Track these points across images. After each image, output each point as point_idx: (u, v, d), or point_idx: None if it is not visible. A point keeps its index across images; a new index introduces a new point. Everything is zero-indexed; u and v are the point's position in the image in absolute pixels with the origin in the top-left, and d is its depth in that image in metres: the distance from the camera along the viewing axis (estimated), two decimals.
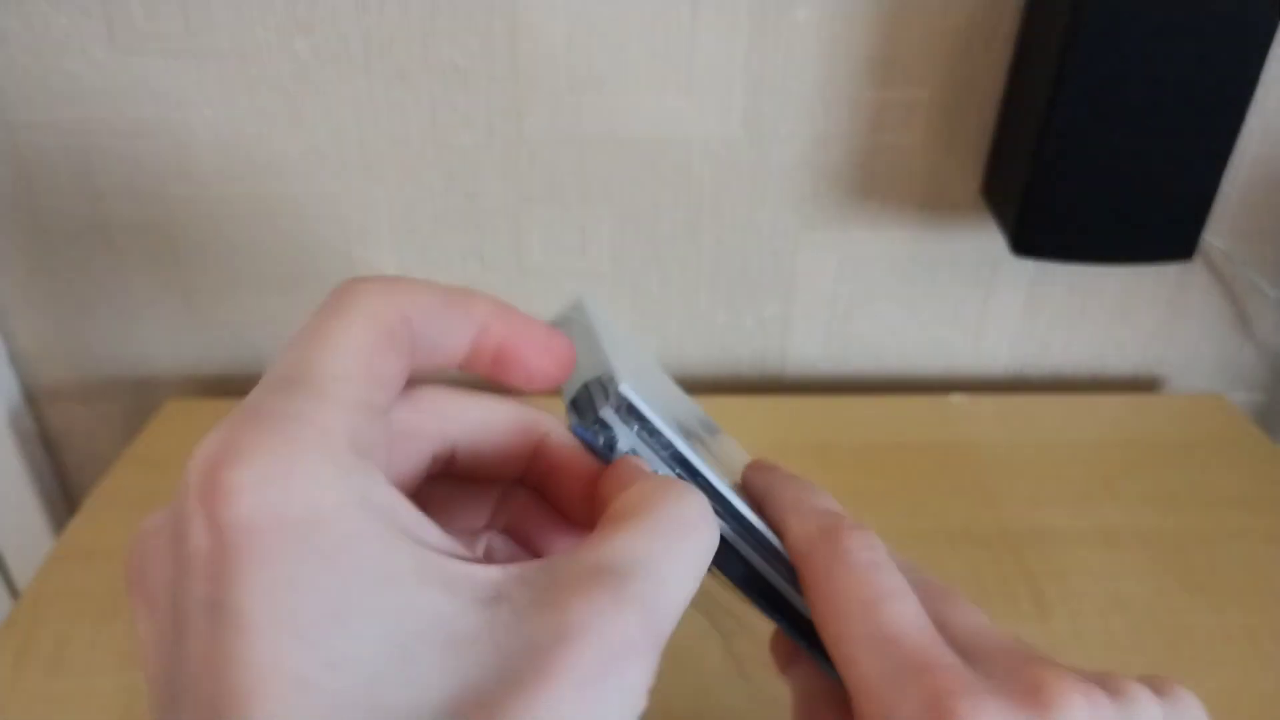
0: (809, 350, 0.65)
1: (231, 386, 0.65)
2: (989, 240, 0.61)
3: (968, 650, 0.21)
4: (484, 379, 0.22)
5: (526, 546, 0.25)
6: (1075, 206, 0.50)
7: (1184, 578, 0.48)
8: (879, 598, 0.22)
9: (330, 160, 0.56)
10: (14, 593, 0.66)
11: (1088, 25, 0.45)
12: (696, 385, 0.66)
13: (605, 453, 0.23)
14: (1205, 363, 0.67)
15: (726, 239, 0.60)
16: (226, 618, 0.15)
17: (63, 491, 0.69)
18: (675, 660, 0.29)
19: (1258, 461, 0.57)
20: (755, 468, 0.27)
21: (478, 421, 0.22)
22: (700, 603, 0.28)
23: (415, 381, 0.21)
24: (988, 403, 0.63)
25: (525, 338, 0.21)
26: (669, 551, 0.18)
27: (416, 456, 0.22)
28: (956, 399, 0.63)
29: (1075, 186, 0.49)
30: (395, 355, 0.19)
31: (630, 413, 0.23)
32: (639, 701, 0.17)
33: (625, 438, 0.23)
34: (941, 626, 0.22)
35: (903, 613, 0.21)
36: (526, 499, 0.24)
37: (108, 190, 0.57)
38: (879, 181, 0.58)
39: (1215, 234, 0.60)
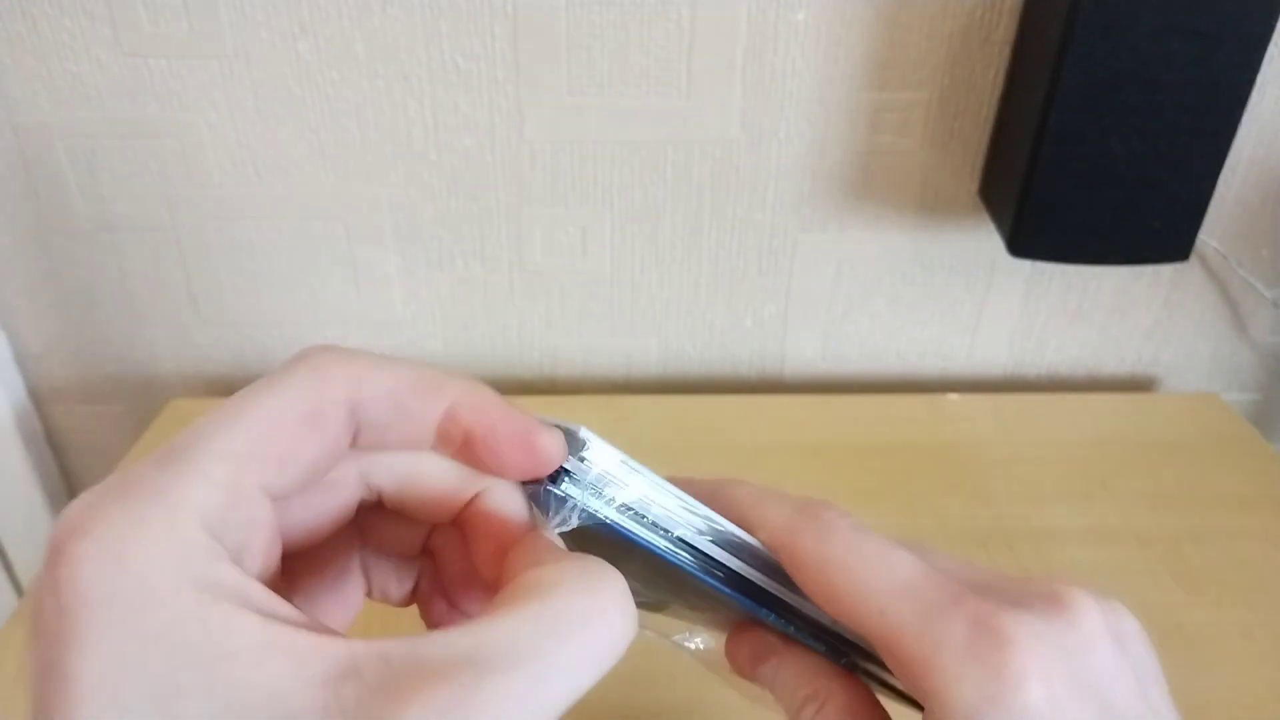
0: (807, 350, 0.66)
1: (235, 386, 0.65)
2: (986, 241, 0.61)
3: (970, 583, 0.22)
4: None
5: (447, 591, 0.24)
6: (1072, 208, 0.50)
7: (1179, 576, 0.49)
8: (881, 551, 0.22)
9: (333, 161, 0.57)
10: (19, 591, 0.67)
11: (1084, 28, 0.45)
12: (696, 385, 0.67)
13: (545, 506, 0.22)
14: (1200, 363, 0.67)
15: (726, 240, 0.60)
16: (58, 682, 0.15)
17: (68, 491, 0.70)
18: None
19: (1252, 461, 0.58)
20: (718, 483, 0.26)
21: (403, 475, 0.22)
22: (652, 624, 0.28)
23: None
24: (984, 402, 0.63)
25: (501, 430, 0.21)
26: (559, 645, 0.17)
27: (338, 502, 0.22)
28: (953, 398, 0.63)
29: (1072, 188, 0.50)
30: (313, 437, 0.19)
31: (579, 450, 0.22)
32: None
33: (575, 491, 0.22)
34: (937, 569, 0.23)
35: (908, 560, 0.22)
36: (457, 541, 0.23)
37: (112, 191, 0.57)
38: (877, 183, 0.59)
39: (1210, 235, 0.61)
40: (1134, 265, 0.60)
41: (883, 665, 0.23)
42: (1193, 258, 0.54)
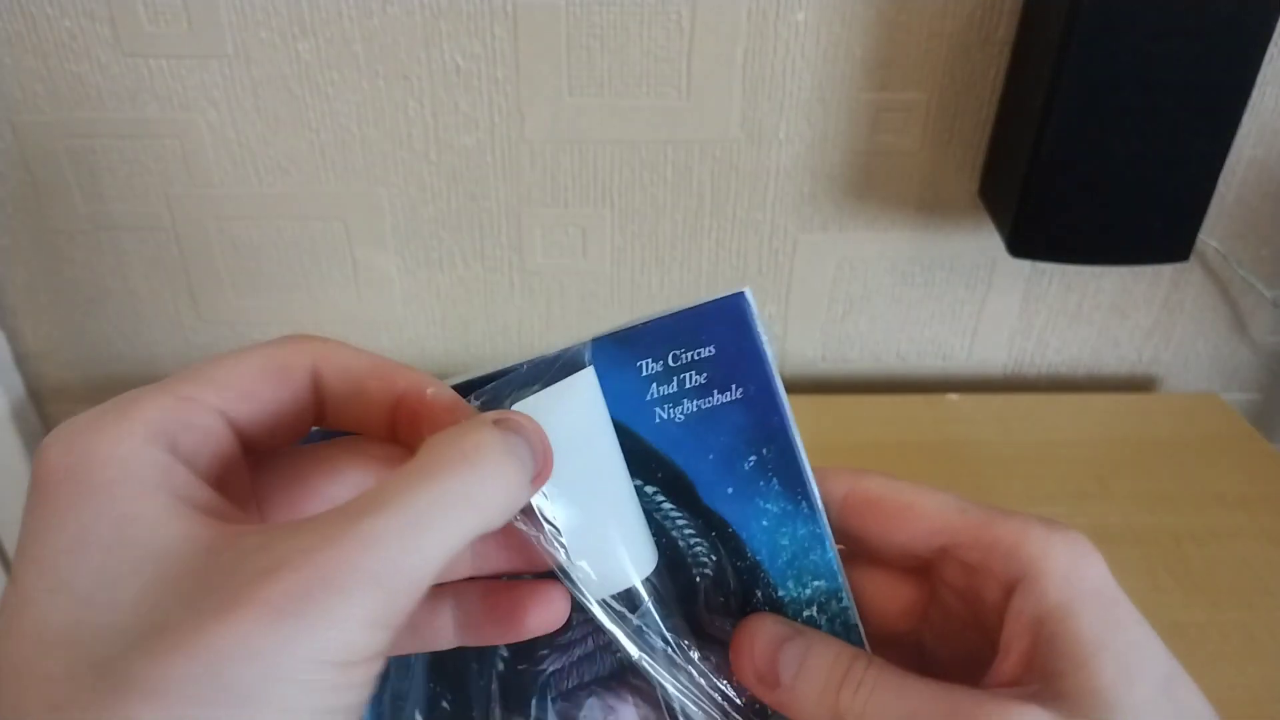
0: (807, 350, 0.66)
1: None
2: (986, 241, 0.61)
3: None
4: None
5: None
6: (1072, 208, 0.50)
7: (1179, 575, 0.49)
8: (933, 489, 0.25)
9: (333, 161, 0.57)
10: None
11: (1084, 28, 0.46)
12: None
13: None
14: (1200, 363, 0.68)
15: (726, 239, 0.60)
16: (19, 548, 0.18)
17: None
18: None
19: (1252, 460, 0.58)
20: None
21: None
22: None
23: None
24: (984, 402, 0.63)
25: (438, 413, 0.22)
26: (431, 489, 0.18)
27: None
28: (953, 398, 0.63)
29: (1072, 188, 0.50)
30: (279, 384, 0.22)
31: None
32: (359, 638, 0.17)
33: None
34: None
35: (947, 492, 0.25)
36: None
37: (113, 191, 0.57)
38: (877, 183, 0.59)
39: (1210, 235, 0.61)
40: (1134, 265, 0.60)
41: None
42: (1193, 258, 0.54)
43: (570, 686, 0.25)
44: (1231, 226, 0.61)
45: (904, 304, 0.64)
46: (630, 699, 0.25)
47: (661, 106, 0.55)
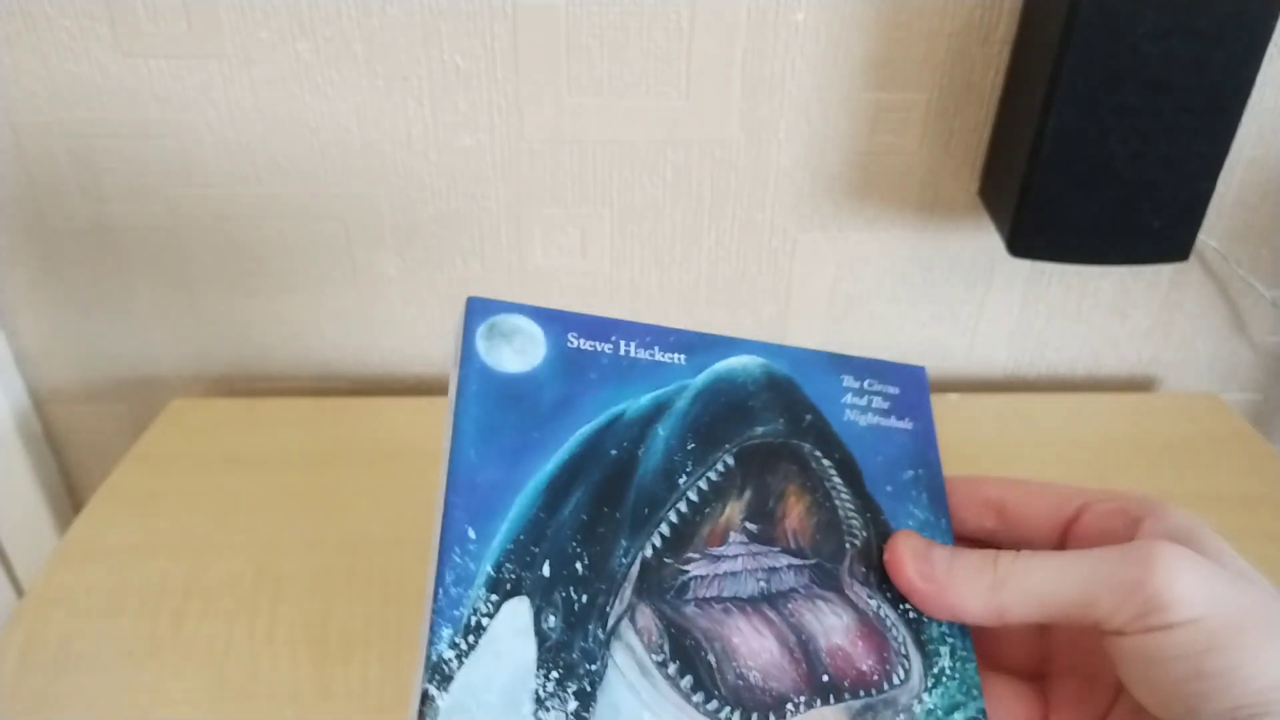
0: None
1: (236, 386, 0.66)
2: (986, 241, 0.61)
3: None
4: None
5: None
6: (1071, 208, 0.51)
7: None
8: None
9: (333, 161, 0.57)
10: (19, 590, 0.67)
11: (1084, 28, 0.46)
12: None
13: None
14: (1200, 363, 0.68)
15: (725, 240, 0.61)
16: None
17: (67, 490, 0.70)
18: None
19: (1252, 460, 0.58)
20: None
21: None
22: None
23: None
24: (984, 402, 0.63)
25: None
26: None
27: None
28: (953, 398, 0.63)
29: (1071, 188, 0.50)
30: None
31: None
32: None
33: None
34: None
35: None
36: None
37: (112, 191, 0.57)
38: (877, 183, 0.59)
39: (1210, 235, 0.61)
40: (1133, 265, 0.60)
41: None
42: (1192, 258, 0.54)
43: (708, 595, 0.26)
44: (1231, 226, 0.61)
45: (903, 304, 0.64)
46: (762, 628, 0.26)
47: (661, 107, 0.55)
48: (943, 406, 0.62)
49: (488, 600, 0.23)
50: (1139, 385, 0.68)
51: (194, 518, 0.52)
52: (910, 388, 0.30)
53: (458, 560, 0.23)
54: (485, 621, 0.23)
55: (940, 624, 0.26)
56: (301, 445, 0.58)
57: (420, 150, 0.56)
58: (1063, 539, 0.27)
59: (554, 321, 0.27)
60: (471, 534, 0.24)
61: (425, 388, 0.66)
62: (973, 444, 0.58)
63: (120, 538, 0.51)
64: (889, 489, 0.28)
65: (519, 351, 0.27)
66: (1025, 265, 0.62)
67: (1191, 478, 0.56)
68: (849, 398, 0.29)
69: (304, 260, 0.60)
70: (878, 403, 0.29)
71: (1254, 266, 0.63)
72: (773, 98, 0.55)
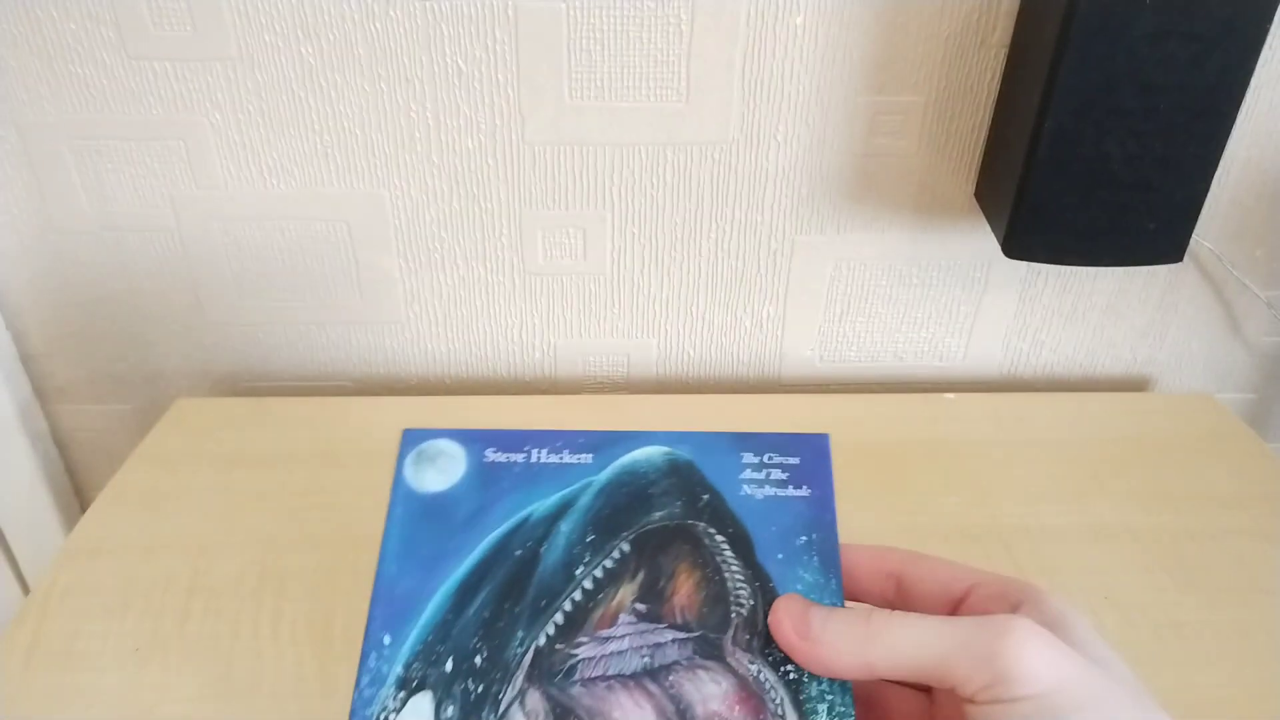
0: (805, 350, 0.66)
1: (240, 385, 0.66)
2: (982, 242, 0.62)
3: None
4: None
5: None
6: (1067, 209, 0.51)
7: (1174, 574, 0.49)
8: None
9: (336, 163, 0.57)
10: (25, 588, 0.67)
11: (1080, 31, 0.46)
12: (695, 385, 0.67)
13: None
14: (1195, 363, 0.68)
15: (724, 241, 0.61)
16: None
17: (73, 489, 0.70)
18: None
19: (1247, 459, 0.58)
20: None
21: None
22: None
23: None
24: (981, 402, 0.64)
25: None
26: None
27: None
28: (950, 398, 0.64)
29: (1067, 190, 0.50)
30: None
31: None
32: None
33: None
34: None
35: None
36: None
37: (117, 192, 0.58)
38: (874, 184, 0.59)
39: (1205, 236, 0.61)
40: (1129, 266, 0.60)
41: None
42: (1187, 259, 0.54)
43: (593, 675, 0.27)
44: (1226, 228, 0.62)
45: (901, 305, 0.64)
46: (643, 701, 0.27)
47: (661, 109, 0.56)
48: (939, 406, 0.63)
49: (396, 697, 0.27)
50: (1134, 385, 0.69)
51: (199, 516, 0.52)
52: (810, 456, 0.32)
53: (372, 665, 0.27)
54: (392, 717, 0.26)
55: (820, 683, 0.27)
56: (306, 444, 0.58)
57: (423, 152, 0.57)
58: (952, 615, 0.28)
59: (474, 441, 0.31)
60: (386, 639, 0.27)
61: (428, 388, 0.67)
62: (969, 444, 0.59)
63: (126, 536, 0.51)
64: (779, 556, 0.29)
65: (441, 471, 0.30)
66: (1022, 266, 0.63)
67: (1187, 477, 0.56)
68: (747, 473, 0.31)
69: (308, 261, 0.61)
70: (776, 474, 0.31)
71: (1249, 267, 0.63)
72: (771, 100, 0.56)
